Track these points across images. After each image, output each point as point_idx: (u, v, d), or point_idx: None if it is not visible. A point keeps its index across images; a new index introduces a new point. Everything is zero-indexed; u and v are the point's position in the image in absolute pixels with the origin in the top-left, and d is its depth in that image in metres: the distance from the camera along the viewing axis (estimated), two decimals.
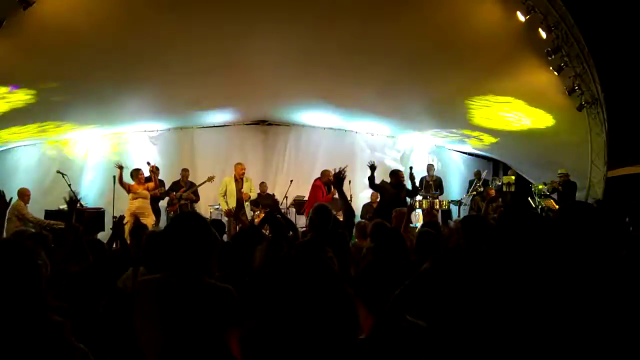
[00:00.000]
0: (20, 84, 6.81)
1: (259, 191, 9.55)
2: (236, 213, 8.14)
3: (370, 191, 9.62)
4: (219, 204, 9.58)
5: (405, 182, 7.99)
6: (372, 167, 7.53)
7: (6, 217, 6.50)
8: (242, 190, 8.74)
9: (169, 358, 1.85)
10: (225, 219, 8.72)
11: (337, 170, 3.75)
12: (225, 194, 8.71)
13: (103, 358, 2.00)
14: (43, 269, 1.45)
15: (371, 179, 7.64)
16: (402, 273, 3.22)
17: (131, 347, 1.87)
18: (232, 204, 8.54)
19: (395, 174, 7.87)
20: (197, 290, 1.90)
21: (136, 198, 8.32)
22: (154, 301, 1.85)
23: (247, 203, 8.86)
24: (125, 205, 8.83)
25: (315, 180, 8.62)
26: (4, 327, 1.30)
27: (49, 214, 8.12)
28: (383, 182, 7.87)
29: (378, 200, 8.73)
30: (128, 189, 8.37)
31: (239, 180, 8.64)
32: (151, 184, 8.54)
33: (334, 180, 3.80)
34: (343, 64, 7.80)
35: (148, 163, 8.76)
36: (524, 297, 1.43)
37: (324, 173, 8.50)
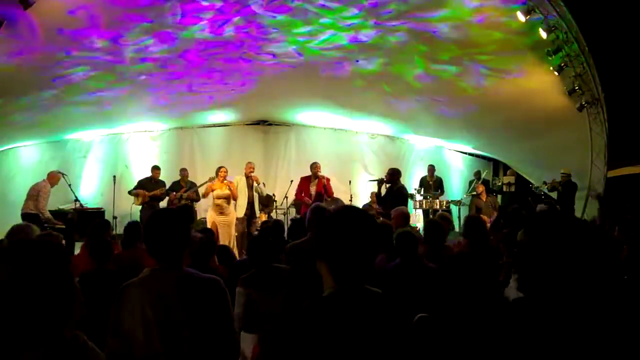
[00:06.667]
0: None
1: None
2: (248, 215, 8.16)
3: (370, 191, 9.61)
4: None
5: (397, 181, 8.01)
6: (380, 182, 7.54)
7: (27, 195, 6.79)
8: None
9: (165, 355, 1.86)
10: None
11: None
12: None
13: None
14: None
15: (378, 195, 7.66)
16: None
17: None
18: (242, 202, 8.31)
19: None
20: (184, 283, 1.94)
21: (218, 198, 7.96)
22: (143, 301, 1.87)
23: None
24: (126, 206, 8.82)
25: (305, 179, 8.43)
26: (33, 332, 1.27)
27: (49, 213, 8.09)
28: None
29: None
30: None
31: (249, 177, 8.42)
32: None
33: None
34: None
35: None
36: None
37: (312, 166, 8.33)
